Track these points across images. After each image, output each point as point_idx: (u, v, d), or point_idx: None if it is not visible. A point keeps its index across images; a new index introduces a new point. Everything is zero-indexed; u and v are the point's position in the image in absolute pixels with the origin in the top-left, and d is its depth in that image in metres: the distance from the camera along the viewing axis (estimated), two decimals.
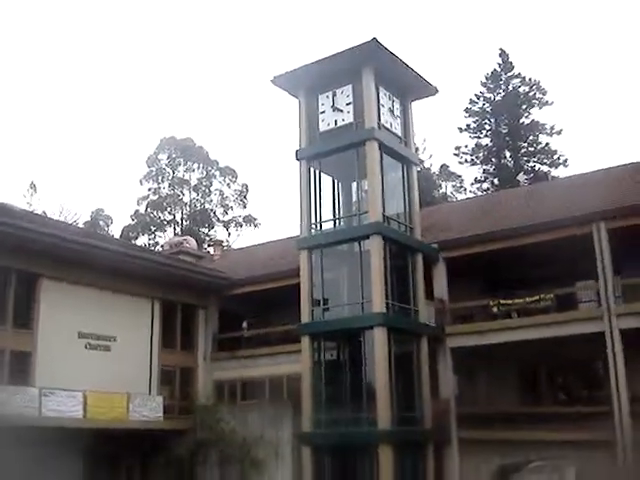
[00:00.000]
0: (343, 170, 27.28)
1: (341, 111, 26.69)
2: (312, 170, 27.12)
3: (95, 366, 27.24)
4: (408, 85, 27.86)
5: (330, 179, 27.65)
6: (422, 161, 56.49)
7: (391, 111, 27.34)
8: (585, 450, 23.45)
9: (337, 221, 27.17)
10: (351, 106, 26.47)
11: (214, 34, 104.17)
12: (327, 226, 27.15)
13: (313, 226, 26.79)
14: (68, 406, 25.05)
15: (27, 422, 23.55)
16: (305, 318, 26.07)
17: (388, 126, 26.93)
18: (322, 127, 27.13)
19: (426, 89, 28.37)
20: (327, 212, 27.26)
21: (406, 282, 26.27)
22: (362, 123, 26.06)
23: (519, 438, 25.24)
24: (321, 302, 25.97)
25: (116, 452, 28.90)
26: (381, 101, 26.72)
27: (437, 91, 28.69)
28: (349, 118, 26.50)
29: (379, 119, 26.35)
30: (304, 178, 27.03)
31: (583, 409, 25.54)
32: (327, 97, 27.06)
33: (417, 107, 29.23)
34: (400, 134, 27.71)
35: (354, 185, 27.50)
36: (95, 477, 27.90)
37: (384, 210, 25.59)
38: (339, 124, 26.71)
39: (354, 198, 27.35)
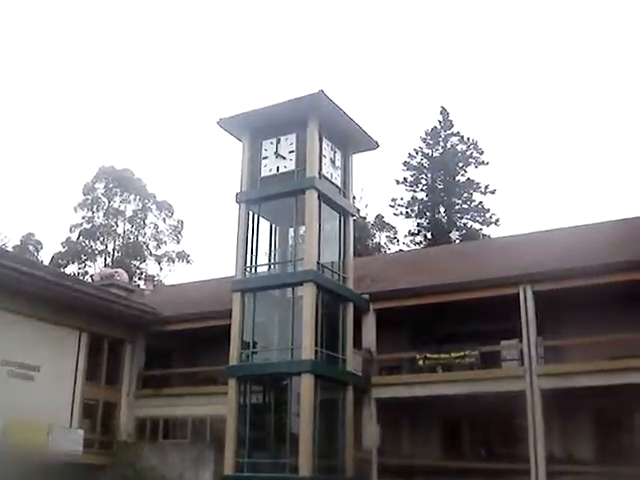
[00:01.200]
0: (281, 215, 27.62)
1: (284, 158, 27.09)
2: (251, 214, 27.37)
3: (16, 394, 26.62)
4: (351, 138, 28.48)
5: (268, 223, 27.94)
6: (358, 210, 57.16)
7: (332, 162, 27.88)
8: None
9: (272, 266, 27.42)
10: (294, 154, 26.90)
11: (162, 70, 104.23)
12: (261, 270, 27.35)
13: (248, 269, 26.94)
14: None
15: None
16: (233, 360, 26.05)
17: (329, 176, 27.42)
18: (264, 172, 27.46)
19: (368, 143, 29.04)
20: (263, 256, 27.55)
21: (336, 330, 26.55)
22: (303, 171, 26.48)
23: None
24: (250, 345, 26.03)
25: None
26: (323, 151, 27.22)
27: (378, 146, 29.40)
28: (291, 165, 26.92)
29: (320, 169, 26.81)
30: (242, 221, 27.23)
31: (502, 465, 26.07)
32: (271, 143, 27.45)
33: (357, 157, 29.87)
34: (339, 184, 28.23)
35: (291, 231, 27.89)
36: None
37: (319, 258, 25.94)
38: (281, 170, 27.09)
39: (290, 244, 27.70)
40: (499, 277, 26.19)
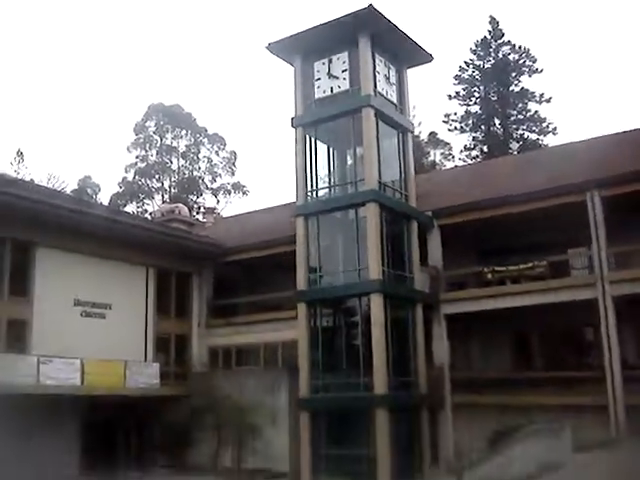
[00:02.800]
0: (338, 137, 27.30)
1: (337, 78, 26.62)
2: (308, 137, 27.09)
3: (91, 334, 27.35)
4: (404, 52, 27.79)
5: (325, 146, 27.61)
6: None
7: (387, 78, 27.29)
8: (577, 414, 23.88)
9: (332, 189, 27.19)
10: (347, 73, 26.41)
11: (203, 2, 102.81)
12: (322, 193, 27.19)
13: (309, 193, 26.80)
14: (66, 374, 25.09)
15: (25, 390, 23.64)
16: (301, 285, 26.21)
17: (384, 93, 26.90)
18: (318, 94, 27.07)
19: (421, 56, 28.32)
20: (322, 179, 27.29)
21: (401, 249, 26.44)
22: (358, 90, 26.02)
23: (511, 403, 25.69)
24: (317, 269, 26.05)
25: (112, 418, 29.14)
26: (377, 68, 26.67)
27: (432, 58, 28.65)
28: (345, 85, 26.46)
29: (375, 86, 26.31)
30: (300, 145, 26.99)
31: (575, 374, 25.99)
32: (323, 64, 26.96)
33: (410, 73, 29.15)
34: (395, 101, 27.69)
35: (349, 152, 27.54)
36: (92, 443, 28.11)
37: (380, 177, 25.66)
38: (335, 91, 26.66)
39: (348, 165, 27.37)
40: (565, 185, 25.53)
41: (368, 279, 24.47)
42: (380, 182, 25.63)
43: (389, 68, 27.53)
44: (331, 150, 27.57)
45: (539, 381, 26.41)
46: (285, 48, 27.45)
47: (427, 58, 28.56)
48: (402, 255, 26.37)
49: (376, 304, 24.20)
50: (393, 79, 27.75)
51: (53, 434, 26.37)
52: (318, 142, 27.32)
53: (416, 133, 59.13)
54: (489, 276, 27.29)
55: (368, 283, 24.44)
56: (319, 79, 27.05)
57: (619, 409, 23.31)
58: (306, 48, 27.15)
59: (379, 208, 24.95)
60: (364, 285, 24.61)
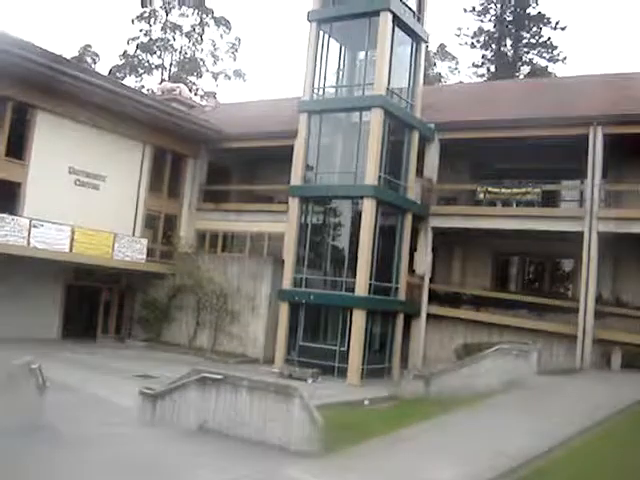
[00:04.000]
0: (352, 38, 26.93)
1: None
2: (322, 33, 26.73)
3: (83, 203, 27.59)
4: None
5: (337, 45, 27.28)
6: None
7: None
8: (546, 340, 24.77)
9: (339, 89, 27.05)
10: None
11: None
12: (328, 92, 27.04)
13: (316, 90, 26.68)
14: (55, 239, 25.43)
15: (14, 251, 24.03)
16: (297, 180, 26.43)
17: None
18: None
19: None
20: (331, 78, 27.11)
21: (399, 158, 26.59)
22: None
23: (484, 320, 26.58)
24: (315, 166, 26.19)
25: (96, 288, 29.82)
26: None
27: None
28: None
29: None
30: (312, 40, 26.64)
31: (550, 302, 26.79)
32: None
33: None
34: (414, 9, 27.25)
35: (360, 54, 27.27)
36: (74, 310, 28.91)
37: (389, 84, 25.53)
38: None
39: (359, 68, 27.14)
40: (571, 116, 25.65)
41: (363, 183, 24.70)
42: (388, 89, 25.51)
43: None
44: (343, 50, 27.24)
45: (514, 303, 27.20)
46: None
47: None
48: (400, 163, 26.56)
49: (368, 208, 24.52)
50: None
51: (37, 298, 26.98)
52: (331, 40, 26.98)
53: None
54: (481, 195, 27.65)
55: (363, 187, 24.69)
56: None
57: (587, 341, 24.17)
58: None
59: (384, 114, 24.92)
60: (359, 188, 24.85)
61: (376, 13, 25.33)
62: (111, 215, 28.66)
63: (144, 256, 28.97)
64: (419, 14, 27.60)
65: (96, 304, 30.01)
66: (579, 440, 13.16)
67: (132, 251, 28.44)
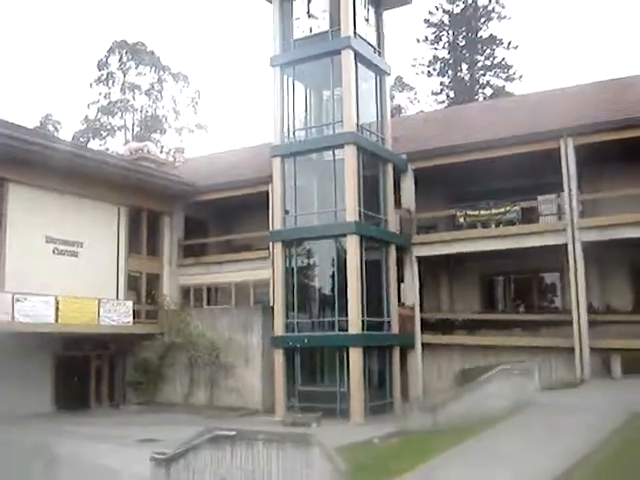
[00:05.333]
0: (316, 78, 27.14)
1: (316, 18, 26.37)
2: (286, 77, 26.90)
3: (63, 271, 27.21)
4: None
5: (302, 87, 27.48)
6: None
7: (366, 20, 27.12)
8: (544, 355, 24.74)
9: (310, 130, 27.14)
10: (327, 13, 26.16)
11: None
12: (298, 134, 27.07)
13: (286, 134, 26.75)
14: (41, 311, 25.04)
15: (0, 328, 23.60)
16: (277, 225, 26.36)
17: (363, 35, 26.72)
18: (297, 34, 26.79)
19: None
20: (300, 120, 27.22)
21: (376, 191, 26.67)
22: (338, 31, 25.80)
23: (480, 343, 26.51)
24: (294, 209, 26.15)
25: (86, 356, 29.35)
26: (357, 9, 26.40)
27: (410, 1, 28.55)
28: (325, 25, 26.18)
29: (355, 28, 26.08)
30: (277, 85, 26.79)
31: (542, 317, 26.85)
32: (302, 3, 26.67)
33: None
34: (374, 43, 27.57)
35: (326, 93, 27.38)
36: (65, 380, 28.36)
37: (358, 119, 25.68)
38: (314, 31, 26.41)
39: (326, 107, 27.25)
40: (539, 131, 25.90)
41: (345, 220, 24.65)
42: (358, 124, 25.65)
43: (368, 9, 27.36)
44: (308, 91, 27.46)
45: (507, 323, 27.22)
46: None
47: (405, 0, 28.41)
48: (377, 197, 26.62)
49: (352, 245, 24.47)
50: (372, 21, 27.61)
51: (27, 371, 26.42)
52: (296, 82, 27.15)
53: None
54: (461, 219, 27.74)
55: (345, 224, 24.65)
56: (298, 18, 26.76)
57: (584, 351, 24.16)
58: None
59: (357, 150, 25.02)
60: (341, 226, 24.81)
61: (337, 52, 25.55)
62: (93, 280, 28.28)
63: (130, 318, 28.60)
64: (379, 48, 27.89)
65: (87, 372, 29.48)
66: (602, 453, 13.04)
67: (118, 315, 28.07)
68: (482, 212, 27.42)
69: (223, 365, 27.95)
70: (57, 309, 25.65)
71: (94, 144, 63.35)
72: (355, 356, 23.90)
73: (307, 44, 26.52)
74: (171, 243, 32.82)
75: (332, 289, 25.32)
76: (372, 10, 27.64)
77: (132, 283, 30.90)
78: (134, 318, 29.02)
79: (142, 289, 31.35)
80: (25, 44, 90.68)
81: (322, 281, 26.04)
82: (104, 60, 64.69)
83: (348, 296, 24.21)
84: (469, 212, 27.51)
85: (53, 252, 27.45)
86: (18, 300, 24.35)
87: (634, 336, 23.84)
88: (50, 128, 63.45)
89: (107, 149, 63.10)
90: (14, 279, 25.28)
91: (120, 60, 64.76)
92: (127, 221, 30.89)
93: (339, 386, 24.23)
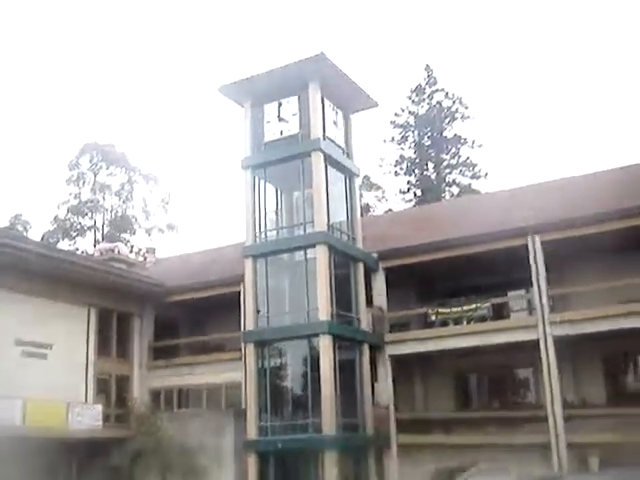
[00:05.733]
0: (286, 179, 27.62)
1: (287, 121, 27.07)
2: (257, 179, 27.37)
3: (32, 374, 26.64)
4: (351, 98, 28.41)
5: (273, 188, 27.94)
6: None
7: (335, 123, 27.87)
8: (520, 452, 24.49)
9: (281, 230, 27.43)
10: (297, 117, 26.87)
11: (144, 37, 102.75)
12: (270, 234, 27.36)
13: (257, 234, 26.98)
14: (7, 414, 24.40)
15: None
16: (250, 326, 26.27)
17: (332, 137, 27.42)
18: (267, 137, 27.41)
19: (368, 102, 29.03)
20: (271, 220, 27.55)
21: (348, 291, 26.78)
22: (307, 134, 26.47)
23: (456, 442, 26.20)
24: (266, 309, 26.14)
25: (53, 461, 28.41)
26: (326, 113, 27.18)
27: (377, 104, 29.45)
28: (295, 128, 26.87)
29: (324, 130, 26.80)
30: (249, 187, 27.25)
31: (517, 414, 26.70)
32: (273, 107, 27.39)
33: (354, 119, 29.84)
34: (343, 145, 28.26)
35: (296, 194, 27.85)
36: None
37: (329, 220, 26.02)
38: (285, 134, 27.08)
39: (297, 207, 27.66)
40: (507, 229, 26.38)
41: (317, 320, 24.66)
42: (329, 224, 25.98)
43: (337, 113, 28.13)
44: (279, 192, 27.91)
45: (482, 421, 27.02)
46: (236, 91, 27.76)
47: (372, 104, 29.30)
48: (349, 296, 26.71)
49: (325, 345, 24.40)
50: (340, 123, 28.36)
51: None
52: (267, 184, 27.61)
53: None
54: (433, 317, 27.88)
55: (317, 324, 24.64)
56: (269, 122, 27.42)
57: (561, 447, 23.98)
58: (257, 91, 27.47)
59: (328, 250, 25.29)
60: (313, 326, 24.78)
61: (307, 154, 26.15)
62: (62, 383, 27.72)
63: (100, 422, 27.93)
64: (347, 150, 28.56)
65: (56, 478, 28.55)
66: None
67: (87, 418, 27.39)
68: (453, 309, 27.62)
69: (195, 470, 27.22)
70: (24, 412, 24.99)
71: (64, 244, 62.97)
72: (330, 460, 23.48)
73: (278, 146, 27.10)
74: (141, 345, 32.36)
75: (305, 390, 25.10)
76: (340, 113, 28.39)
77: (102, 386, 30.27)
78: (104, 422, 28.35)
79: (112, 392, 30.66)
80: None
81: (295, 382, 25.86)
82: (75, 161, 65.06)
83: (322, 397, 23.94)
84: (440, 310, 27.69)
85: (21, 354, 26.98)
86: None
87: (610, 429, 23.77)
88: (19, 228, 63.16)
89: (77, 249, 62.88)
90: None
91: (91, 161, 65.23)
92: (97, 322, 30.53)
93: None
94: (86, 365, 29.69)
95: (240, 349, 28.08)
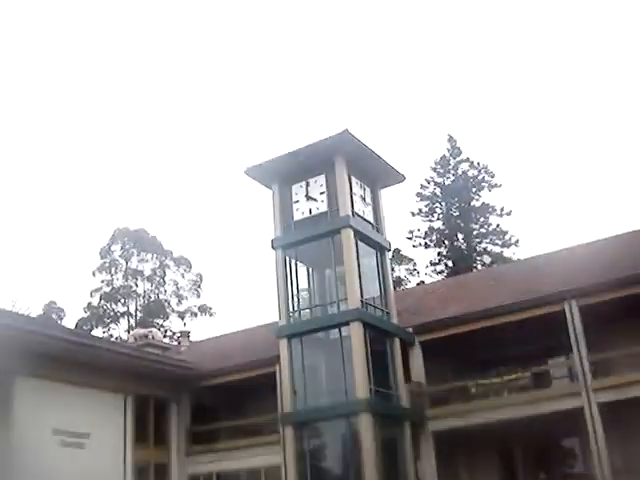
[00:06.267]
0: (317, 257, 27.73)
1: (315, 200, 27.30)
2: (287, 258, 27.46)
3: (70, 464, 26.39)
4: (378, 173, 28.73)
5: (304, 267, 28.01)
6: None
7: (363, 199, 28.06)
8: None
9: (313, 308, 27.36)
10: (325, 195, 27.13)
11: (170, 123, 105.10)
12: (303, 313, 27.31)
13: (291, 314, 26.93)
14: None
15: None
16: (287, 407, 25.97)
17: (361, 213, 27.59)
18: (296, 216, 27.66)
19: (394, 177, 29.29)
20: (303, 299, 27.55)
21: (385, 367, 26.47)
22: (336, 211, 26.68)
23: None
24: (303, 390, 25.86)
25: None
26: (353, 189, 27.42)
27: (404, 178, 29.64)
28: (323, 207, 27.11)
29: (352, 207, 26.99)
30: (280, 266, 27.34)
31: None
32: (301, 187, 27.72)
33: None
34: (372, 220, 28.38)
35: (328, 272, 27.87)
36: None
37: (362, 296, 25.92)
38: (313, 212, 27.30)
39: (329, 285, 27.65)
40: (543, 296, 26.10)
41: (356, 398, 24.32)
42: (362, 300, 25.87)
43: (364, 189, 28.35)
44: (310, 270, 27.96)
45: None
46: (263, 172, 28.17)
47: (400, 178, 29.51)
48: (387, 372, 26.39)
49: (365, 423, 24.00)
50: (368, 199, 28.55)
51: None
52: (298, 262, 27.69)
53: None
54: (473, 390, 27.38)
55: (356, 402, 24.28)
56: (297, 201, 27.70)
57: None
58: (283, 172, 27.87)
59: (363, 326, 25.13)
60: (352, 405, 24.42)
61: (337, 231, 26.29)
62: (100, 473, 27.32)
63: None
64: (377, 225, 28.65)
65: None
66: None
67: None
68: (494, 380, 27.16)
69: None
70: None
71: (98, 331, 63.41)
72: None
73: (307, 225, 27.29)
74: (179, 430, 32.05)
75: (347, 471, 24.58)
76: (368, 189, 28.62)
77: (140, 474, 29.84)
78: None
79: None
80: (25, 234, 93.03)
81: (336, 463, 25.40)
82: (107, 247, 66.09)
83: (365, 478, 23.39)
84: (480, 381, 27.21)
85: (60, 444, 26.79)
86: None
87: None
88: (54, 316, 63.76)
89: (111, 336, 63.29)
90: (21, 473, 24.50)
91: (122, 247, 66.17)
92: (133, 410, 30.29)
93: None
94: (124, 453, 29.33)
95: (278, 431, 27.67)
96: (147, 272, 67.12)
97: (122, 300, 66.17)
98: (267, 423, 30.38)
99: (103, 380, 28.81)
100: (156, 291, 67.24)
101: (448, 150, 60.76)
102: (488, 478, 28.46)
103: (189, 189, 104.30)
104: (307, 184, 27.54)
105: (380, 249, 28.22)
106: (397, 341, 27.10)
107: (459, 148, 60.58)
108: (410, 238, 61.38)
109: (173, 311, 67.38)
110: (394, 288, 31.74)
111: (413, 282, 61.70)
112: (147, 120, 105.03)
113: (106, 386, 29.14)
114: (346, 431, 25.01)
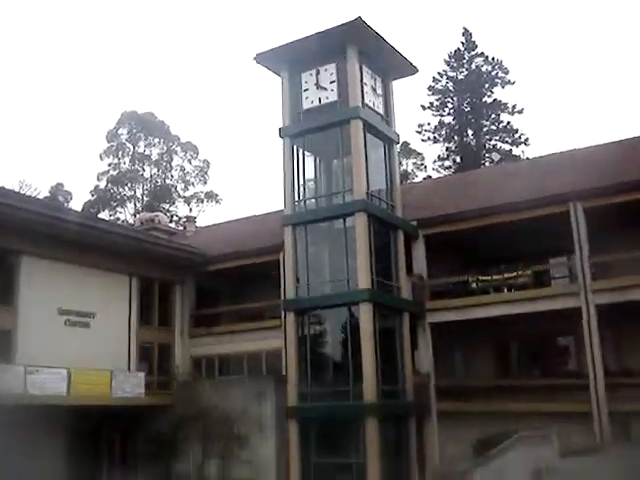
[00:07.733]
0: (325, 147, 27.51)
1: (325, 89, 26.87)
2: (295, 147, 27.27)
3: (75, 343, 27.14)
4: (390, 64, 28.15)
5: (312, 156, 27.83)
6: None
7: (374, 90, 27.61)
8: (562, 421, 24.30)
9: (319, 198, 27.37)
10: (335, 84, 26.67)
11: (181, 8, 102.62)
12: (309, 203, 27.34)
13: (297, 203, 26.96)
14: (53, 384, 24.76)
15: (12, 400, 23.28)
16: (290, 294, 26.35)
17: (371, 105, 27.20)
18: (305, 105, 27.29)
19: (407, 68, 28.72)
20: (309, 189, 27.51)
21: (388, 259, 26.69)
22: (346, 101, 26.30)
23: (496, 410, 26.03)
24: (306, 278, 26.18)
25: (97, 428, 28.97)
26: (364, 80, 26.94)
27: (417, 70, 29.07)
28: (333, 96, 26.69)
29: (363, 98, 26.58)
30: (287, 155, 27.20)
31: (559, 382, 26.45)
32: (310, 75, 27.21)
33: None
34: (382, 112, 28.01)
35: (336, 162, 27.75)
36: (76, 453, 27.90)
37: (368, 188, 25.88)
38: (323, 102, 26.92)
39: (336, 175, 27.58)
40: (549, 196, 25.97)
41: (357, 288, 24.68)
42: (368, 192, 25.85)
43: (375, 79, 27.85)
44: (318, 160, 27.79)
45: (522, 389, 26.80)
46: (273, 59, 27.63)
47: (412, 70, 28.95)
48: (389, 264, 26.63)
49: (365, 313, 24.42)
50: (379, 90, 28.08)
51: (37, 444, 26.09)
52: (305, 152, 27.51)
53: None
54: (473, 285, 27.69)
55: (357, 292, 24.65)
56: (307, 90, 27.26)
57: (603, 415, 23.78)
58: (294, 59, 27.33)
59: (368, 218, 25.19)
60: (353, 294, 24.80)
61: (346, 122, 25.97)
62: (104, 351, 28.14)
63: (143, 390, 28.23)
64: (387, 117, 28.30)
65: (99, 445, 29.14)
66: None
67: (130, 386, 27.71)
68: (494, 277, 27.42)
69: (237, 437, 27.53)
70: (69, 381, 25.40)
71: (104, 215, 63.74)
72: (371, 427, 23.62)
73: (316, 114, 26.95)
74: (182, 313, 32.74)
75: (346, 357, 25.20)
76: (379, 80, 28.11)
77: (144, 354, 30.74)
78: (146, 390, 28.72)
79: (154, 360, 31.15)
80: (33, 115, 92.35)
81: (336, 350, 25.95)
82: (114, 131, 65.65)
83: (363, 364, 24.02)
84: (481, 277, 27.47)
85: (65, 324, 27.48)
86: (30, 373, 24.11)
87: None
88: (61, 199, 63.97)
89: (117, 219, 63.69)
90: (26, 352, 25.25)
91: (130, 131, 65.71)
92: (139, 291, 30.95)
93: (355, 458, 23.87)
94: (128, 333, 30.12)
95: (279, 317, 28.20)
96: (154, 156, 66.98)
97: (129, 184, 66.27)
98: (270, 308, 30.96)
99: (109, 262, 29.26)
100: (163, 176, 67.27)
101: (463, 44, 59.49)
102: (483, 370, 29.11)
103: (199, 75, 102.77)
104: (317, 72, 27.02)
105: (388, 142, 27.97)
106: (401, 234, 27.21)
107: (474, 42, 59.28)
108: (419, 132, 60.97)
109: (179, 197, 67.64)
110: (400, 182, 31.62)
111: (420, 176, 61.67)
112: (160, 3, 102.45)
113: (112, 267, 29.64)
114: (346, 320, 25.49)
